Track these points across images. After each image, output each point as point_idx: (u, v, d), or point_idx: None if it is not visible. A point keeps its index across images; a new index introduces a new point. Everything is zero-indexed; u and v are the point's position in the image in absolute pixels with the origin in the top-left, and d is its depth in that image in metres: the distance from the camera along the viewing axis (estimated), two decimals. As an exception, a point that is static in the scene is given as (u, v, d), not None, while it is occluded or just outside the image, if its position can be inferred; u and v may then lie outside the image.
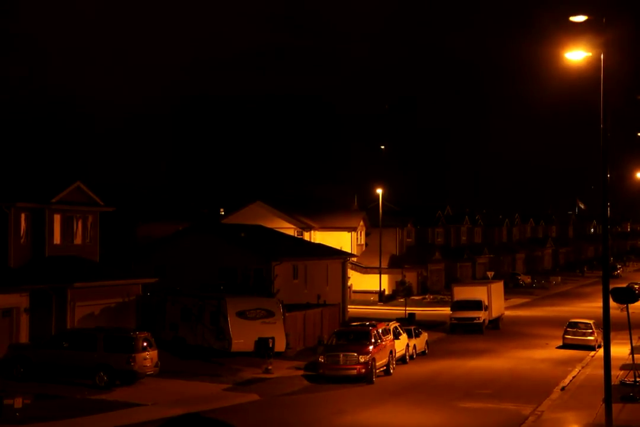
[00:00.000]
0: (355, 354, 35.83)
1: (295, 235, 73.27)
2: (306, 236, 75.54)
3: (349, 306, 60.91)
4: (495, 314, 57.49)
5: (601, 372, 26.06)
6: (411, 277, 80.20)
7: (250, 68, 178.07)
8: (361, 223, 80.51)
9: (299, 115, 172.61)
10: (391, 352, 38.80)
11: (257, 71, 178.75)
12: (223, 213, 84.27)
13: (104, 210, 45.07)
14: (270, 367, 37.76)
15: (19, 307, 36.38)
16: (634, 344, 35.37)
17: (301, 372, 38.35)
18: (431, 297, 78.19)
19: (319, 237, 76.21)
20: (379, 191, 78.37)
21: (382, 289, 76.35)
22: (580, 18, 24.30)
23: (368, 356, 35.92)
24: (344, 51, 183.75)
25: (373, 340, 37.12)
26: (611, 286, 26.87)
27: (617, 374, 33.45)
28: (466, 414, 29.45)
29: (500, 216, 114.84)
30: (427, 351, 45.67)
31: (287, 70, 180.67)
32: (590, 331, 47.33)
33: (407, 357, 42.47)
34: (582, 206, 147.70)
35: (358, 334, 38.15)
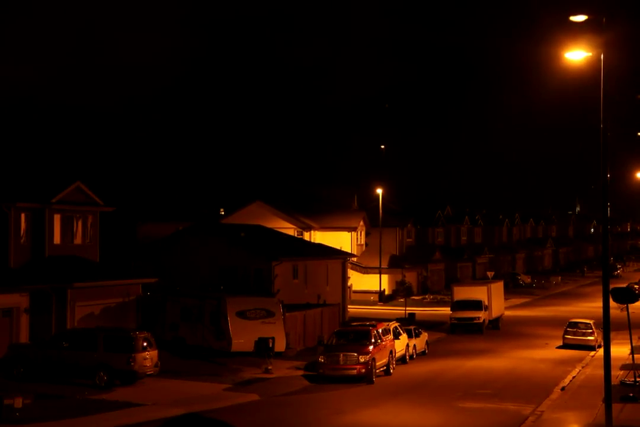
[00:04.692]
0: (355, 354, 35.82)
1: (295, 235, 73.31)
2: (306, 236, 75.58)
3: (349, 306, 60.93)
4: (495, 314, 57.48)
5: (601, 372, 26.08)
6: (411, 277, 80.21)
7: (248, 69, 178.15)
8: (361, 223, 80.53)
9: (298, 115, 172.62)
10: (391, 352, 38.79)
11: (254, 70, 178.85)
12: (223, 213, 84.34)
13: (103, 210, 45.09)
14: (270, 367, 37.76)
15: (19, 307, 36.40)
16: (634, 344, 35.39)
17: (301, 372, 38.36)
18: (431, 297, 78.20)
19: (319, 237, 76.25)
20: (379, 191, 78.36)
21: (382, 289, 76.35)
22: (580, 18, 24.32)
23: (368, 356, 35.91)
24: (344, 51, 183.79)
25: (373, 340, 37.11)
26: (611, 286, 26.89)
27: (617, 374, 33.46)
28: (466, 414, 29.44)
29: (501, 216, 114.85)
30: (427, 351, 45.67)
31: (287, 70, 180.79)
32: (590, 331, 47.33)
33: (407, 357, 42.47)
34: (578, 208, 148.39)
35: (358, 334, 38.13)
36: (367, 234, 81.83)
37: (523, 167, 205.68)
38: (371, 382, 35.72)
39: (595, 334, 46.46)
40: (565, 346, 47.72)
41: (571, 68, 26.21)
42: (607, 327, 25.80)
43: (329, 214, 79.88)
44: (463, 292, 57.35)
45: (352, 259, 70.02)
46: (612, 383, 26.65)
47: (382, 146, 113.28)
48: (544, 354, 45.69)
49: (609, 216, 26.18)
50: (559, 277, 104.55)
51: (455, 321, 55.15)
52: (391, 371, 38.42)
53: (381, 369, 37.48)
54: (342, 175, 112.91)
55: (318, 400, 32.60)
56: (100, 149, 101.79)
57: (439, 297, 77.60)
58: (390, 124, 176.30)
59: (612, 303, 26.80)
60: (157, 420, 27.79)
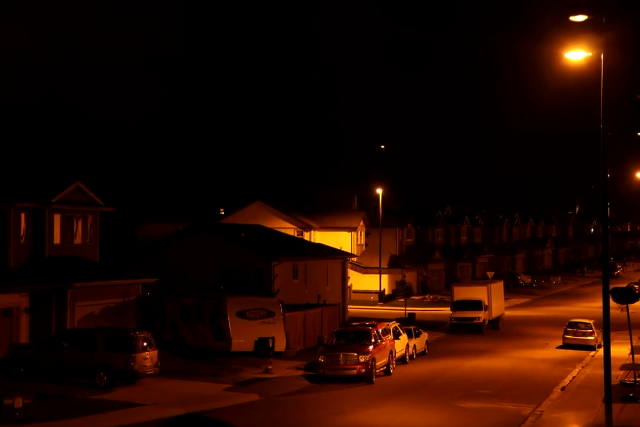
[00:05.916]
0: (355, 354, 35.82)
1: (295, 235, 73.31)
2: (306, 236, 75.56)
3: (348, 306, 60.92)
4: (495, 314, 57.48)
5: (601, 372, 26.07)
6: (411, 277, 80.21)
7: (247, 70, 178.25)
8: (361, 223, 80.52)
9: (298, 115, 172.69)
10: (391, 352, 38.79)
11: (253, 69, 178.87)
12: (223, 213, 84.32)
13: (103, 210, 45.09)
14: (270, 367, 37.77)
15: (19, 307, 36.43)
16: (634, 344, 35.37)
17: (301, 372, 38.36)
18: (431, 297, 78.20)
19: (318, 237, 76.22)
20: (379, 191, 78.38)
21: (382, 289, 76.35)
22: (580, 18, 24.33)
23: (368, 356, 35.91)
24: (344, 50, 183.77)
25: (373, 340, 37.11)
26: (611, 286, 26.89)
27: (617, 374, 33.43)
28: (466, 414, 29.45)
29: (501, 216, 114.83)
30: (427, 351, 45.67)
31: (286, 70, 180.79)
32: (590, 330, 47.33)
33: (407, 357, 42.47)
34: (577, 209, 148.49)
35: (358, 334, 38.14)
36: (367, 234, 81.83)
37: (523, 167, 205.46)
38: (371, 382, 35.72)
39: (595, 334, 46.45)
40: (565, 346, 47.73)
41: (571, 68, 26.23)
42: (607, 327, 25.79)
43: (329, 214, 79.86)
44: (463, 292, 57.35)
45: (352, 259, 70.02)
46: (612, 383, 26.66)
47: (382, 146, 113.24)
48: (544, 354, 45.69)
49: (609, 216, 26.18)
50: (559, 277, 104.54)
51: (455, 321, 55.15)
52: (391, 370, 38.42)
53: (381, 369, 37.48)
54: (342, 175, 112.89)
55: (318, 400, 32.60)
56: (100, 150, 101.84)
57: (439, 297, 77.59)
58: (390, 123, 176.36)
59: (612, 303, 26.79)
60: (157, 420, 27.80)
